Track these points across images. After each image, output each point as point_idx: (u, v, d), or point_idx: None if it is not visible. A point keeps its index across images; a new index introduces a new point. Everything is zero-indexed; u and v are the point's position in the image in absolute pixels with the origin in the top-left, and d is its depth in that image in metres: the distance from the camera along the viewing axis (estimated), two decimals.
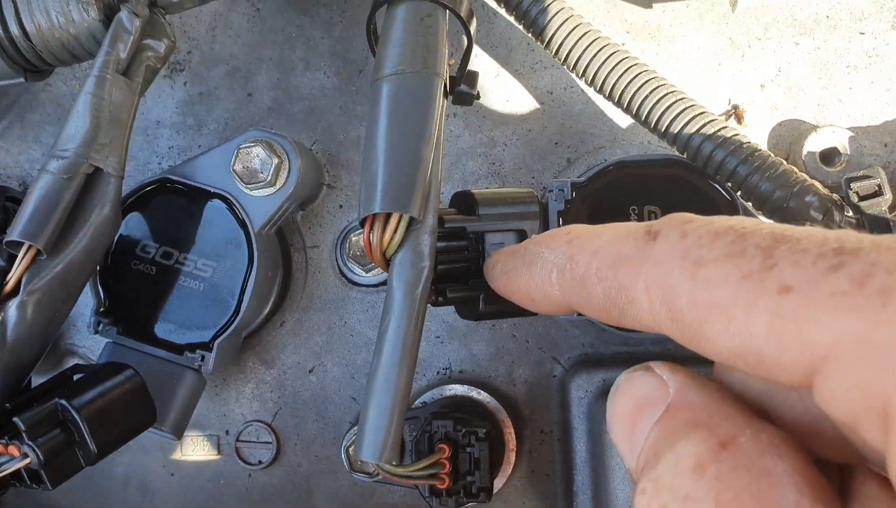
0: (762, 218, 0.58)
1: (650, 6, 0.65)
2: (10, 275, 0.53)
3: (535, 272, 0.44)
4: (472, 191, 0.56)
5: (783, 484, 0.30)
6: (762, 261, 0.30)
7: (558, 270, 0.42)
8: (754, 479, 0.31)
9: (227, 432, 0.76)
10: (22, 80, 0.61)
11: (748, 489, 0.30)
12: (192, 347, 0.65)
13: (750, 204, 0.57)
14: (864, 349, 0.27)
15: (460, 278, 0.55)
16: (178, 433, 0.65)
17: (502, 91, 0.74)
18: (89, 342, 0.77)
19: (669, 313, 0.34)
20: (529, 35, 0.66)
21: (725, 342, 0.32)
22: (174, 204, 0.66)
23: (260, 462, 0.75)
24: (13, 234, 0.52)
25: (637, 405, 0.38)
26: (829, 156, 0.68)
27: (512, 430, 0.70)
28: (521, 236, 0.56)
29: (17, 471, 0.49)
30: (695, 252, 0.33)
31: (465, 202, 0.57)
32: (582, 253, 0.40)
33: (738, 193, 0.57)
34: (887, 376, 0.26)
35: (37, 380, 0.57)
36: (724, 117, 0.71)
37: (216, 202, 0.65)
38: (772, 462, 0.31)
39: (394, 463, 0.47)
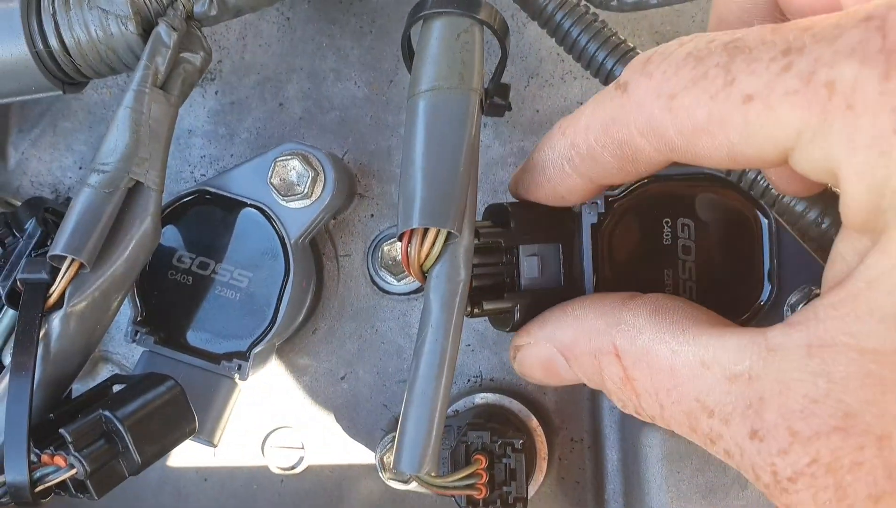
0: (795, 235, 0.58)
1: None
2: (53, 288, 0.54)
3: (550, 175, 0.48)
4: (507, 203, 0.57)
5: None
6: (724, 78, 0.35)
7: (567, 161, 0.46)
8: None
9: (259, 437, 0.77)
10: (59, 92, 0.62)
11: None
12: (229, 356, 0.65)
13: (784, 220, 0.58)
14: (819, 135, 0.32)
15: (495, 290, 0.56)
16: (215, 441, 0.66)
17: (532, 101, 0.75)
18: (123, 349, 0.78)
19: (667, 146, 0.39)
20: (560, 47, 0.66)
21: (715, 154, 0.37)
22: (210, 215, 0.66)
23: (292, 468, 0.76)
24: (56, 248, 0.53)
25: None
26: None
27: (543, 438, 0.70)
28: (556, 249, 0.56)
29: (63, 481, 0.50)
30: (665, 88, 0.37)
31: (499, 215, 0.57)
32: (577, 134, 0.44)
33: (773, 209, 0.57)
34: (838, 152, 0.32)
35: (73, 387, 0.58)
36: None
37: (252, 214, 0.66)
38: None
39: (432, 475, 0.47)
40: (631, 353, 0.42)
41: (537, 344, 0.50)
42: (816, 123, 0.32)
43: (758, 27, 0.36)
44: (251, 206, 0.66)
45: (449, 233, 0.49)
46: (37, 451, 0.50)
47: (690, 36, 0.38)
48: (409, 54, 0.58)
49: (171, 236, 0.66)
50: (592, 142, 0.43)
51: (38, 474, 0.49)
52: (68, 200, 0.78)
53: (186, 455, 0.78)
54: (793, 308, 0.58)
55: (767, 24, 0.36)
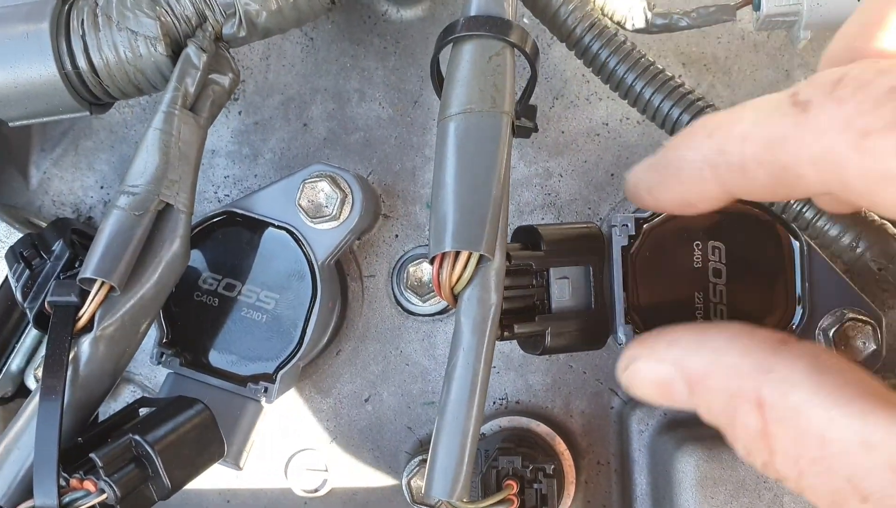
0: (825, 257, 0.58)
1: (734, 17, 0.64)
2: (82, 311, 0.54)
3: (685, 178, 0.42)
4: (537, 226, 0.56)
5: None
6: None
7: (710, 167, 0.40)
8: None
9: (283, 459, 0.77)
10: (86, 113, 0.62)
11: None
12: (255, 378, 0.65)
13: (817, 243, 0.58)
14: None
15: (525, 312, 0.55)
16: (241, 464, 0.66)
17: (557, 122, 0.75)
18: (146, 370, 0.77)
19: (839, 184, 0.34)
20: (584, 66, 0.66)
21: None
22: (237, 237, 0.66)
23: (315, 490, 0.76)
24: (87, 271, 0.53)
25: None
26: None
27: (571, 462, 0.70)
28: (586, 271, 0.56)
29: (93, 507, 0.50)
30: (857, 121, 0.33)
31: (529, 237, 0.57)
32: (730, 143, 0.39)
33: (805, 232, 0.57)
34: None
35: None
36: None
37: (280, 235, 0.65)
38: None
39: (464, 500, 0.47)
40: (778, 409, 0.37)
41: (659, 362, 0.44)
42: None
43: None
44: (279, 227, 0.65)
45: (481, 256, 0.49)
46: (65, 476, 0.50)
47: (889, 62, 0.34)
48: (437, 78, 0.58)
49: (197, 257, 0.66)
50: (748, 155, 0.38)
51: (67, 499, 0.49)
52: (90, 219, 0.78)
53: (209, 476, 0.77)
54: (825, 333, 0.58)
55: None
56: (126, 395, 0.77)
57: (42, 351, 0.72)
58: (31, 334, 0.71)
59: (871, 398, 0.35)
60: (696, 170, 0.41)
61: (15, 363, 0.72)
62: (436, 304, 0.73)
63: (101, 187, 0.78)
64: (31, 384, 0.72)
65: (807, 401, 0.36)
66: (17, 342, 0.71)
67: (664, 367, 0.43)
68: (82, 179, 0.79)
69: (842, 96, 0.33)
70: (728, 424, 0.40)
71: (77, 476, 0.50)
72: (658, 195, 0.46)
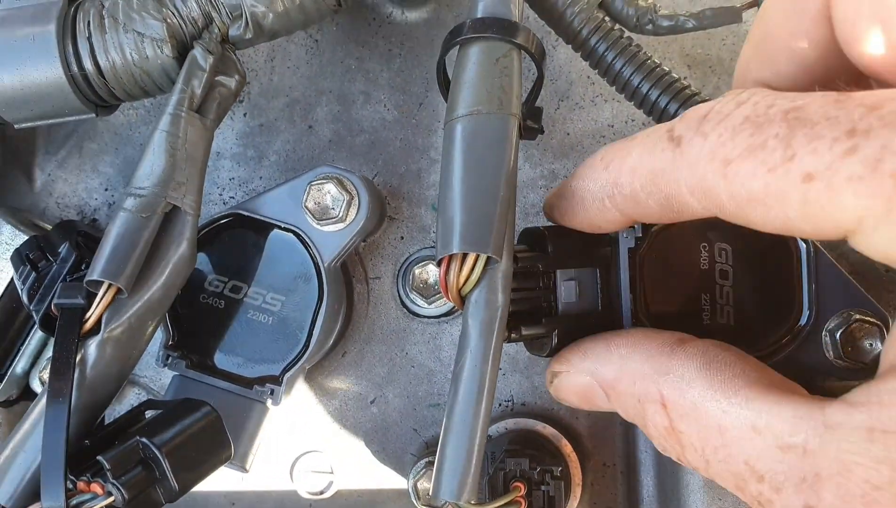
0: (832, 258, 0.58)
1: (740, 19, 0.65)
2: (89, 313, 0.54)
3: (588, 205, 0.48)
4: (543, 228, 0.56)
5: None
6: (783, 152, 0.34)
7: (608, 197, 0.46)
8: None
9: (288, 462, 0.77)
10: (93, 115, 0.62)
11: None
12: (262, 380, 0.65)
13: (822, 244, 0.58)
14: (883, 225, 0.32)
15: (533, 314, 0.55)
16: (247, 466, 0.65)
17: (563, 124, 0.75)
18: (150, 373, 0.77)
19: (717, 208, 0.38)
20: (589, 68, 0.66)
21: (768, 224, 0.36)
22: (244, 239, 0.66)
23: (321, 493, 0.76)
24: (94, 273, 0.53)
25: None
26: None
27: (578, 464, 0.70)
28: (593, 273, 0.56)
29: None
30: (720, 152, 0.37)
31: (535, 239, 0.57)
32: (622, 175, 0.44)
33: None
34: None
35: None
36: None
37: (286, 237, 0.65)
38: None
39: (472, 502, 0.47)
40: (679, 406, 0.42)
41: (576, 374, 0.50)
42: (881, 212, 0.32)
43: (820, 96, 0.35)
44: (285, 229, 0.65)
45: (488, 258, 0.49)
46: (72, 478, 0.50)
47: (748, 93, 0.38)
48: (444, 80, 0.58)
49: (203, 259, 0.66)
50: (637, 187, 0.43)
51: (74, 501, 0.49)
52: (94, 221, 0.78)
53: (214, 479, 0.76)
54: (831, 334, 0.58)
55: (829, 89, 0.35)
56: (131, 397, 0.77)
57: (47, 354, 0.72)
58: (36, 336, 0.71)
59: (757, 385, 0.39)
60: (597, 200, 0.47)
61: (20, 365, 0.71)
62: (441, 306, 0.73)
63: (106, 190, 0.78)
64: (36, 386, 0.72)
65: (701, 396, 0.41)
66: (22, 345, 0.71)
67: (582, 378, 0.50)
68: (87, 182, 0.79)
69: (706, 130, 0.38)
70: (642, 424, 0.45)
71: (84, 478, 0.50)
72: (570, 220, 0.51)
